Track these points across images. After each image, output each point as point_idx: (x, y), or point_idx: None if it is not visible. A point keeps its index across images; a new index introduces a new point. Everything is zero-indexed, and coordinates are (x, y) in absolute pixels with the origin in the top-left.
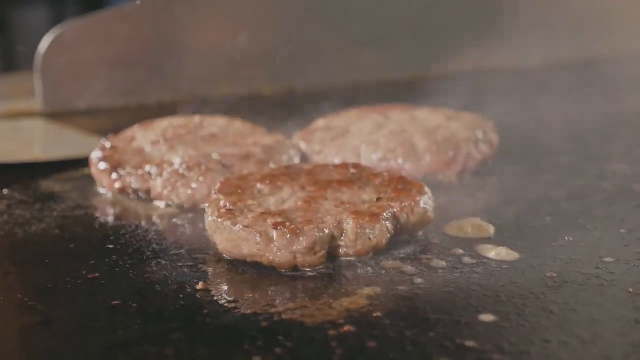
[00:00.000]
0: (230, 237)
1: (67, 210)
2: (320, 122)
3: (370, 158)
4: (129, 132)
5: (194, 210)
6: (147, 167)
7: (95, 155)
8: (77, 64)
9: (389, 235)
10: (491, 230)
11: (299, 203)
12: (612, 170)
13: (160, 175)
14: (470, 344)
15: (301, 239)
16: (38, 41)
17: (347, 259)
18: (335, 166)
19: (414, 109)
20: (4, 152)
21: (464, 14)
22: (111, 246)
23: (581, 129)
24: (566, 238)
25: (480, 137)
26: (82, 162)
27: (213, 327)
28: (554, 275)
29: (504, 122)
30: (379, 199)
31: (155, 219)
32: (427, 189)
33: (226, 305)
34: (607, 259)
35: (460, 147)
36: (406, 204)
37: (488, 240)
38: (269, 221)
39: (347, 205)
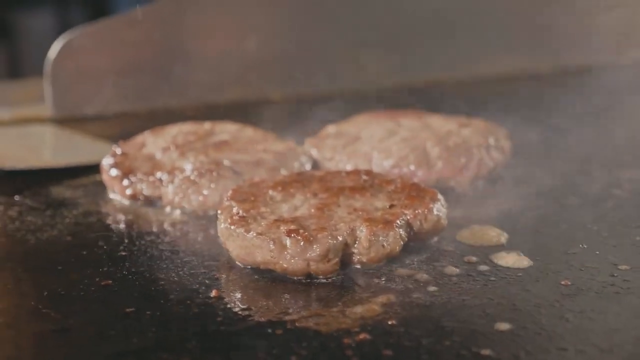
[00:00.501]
0: (243, 244)
1: (78, 216)
2: (331, 128)
3: (382, 164)
4: (139, 138)
5: (206, 216)
6: (158, 174)
7: (106, 161)
8: (87, 70)
9: (402, 243)
10: (504, 237)
11: (312, 210)
12: (626, 177)
13: (172, 181)
14: (486, 352)
15: (314, 246)
16: (45, 47)
17: (361, 266)
18: (347, 173)
19: (426, 116)
20: (14, 158)
21: (475, 19)
22: (123, 253)
23: (593, 135)
24: (580, 245)
25: (492, 143)
26: (93, 169)
27: (227, 334)
28: (569, 283)
29: (516, 129)
30: (391, 206)
31: (166, 225)
32: (440, 196)
33: (240, 313)
34: (622, 267)
35: (472, 153)
36: (419, 211)
37: (501, 248)
38: (282, 228)
39: (360, 213)
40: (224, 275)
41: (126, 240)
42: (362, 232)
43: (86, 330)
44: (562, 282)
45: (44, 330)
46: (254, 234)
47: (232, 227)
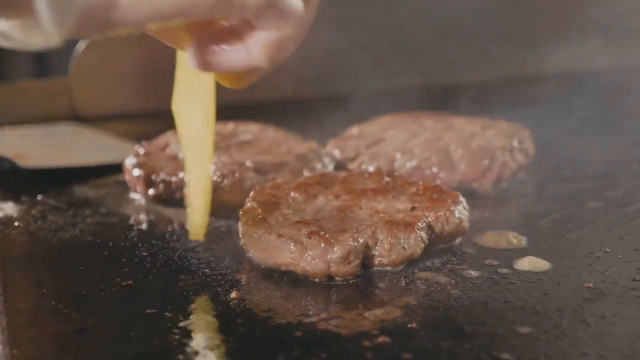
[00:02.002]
0: (264, 245)
1: (100, 216)
2: (354, 130)
3: (404, 166)
4: (162, 139)
5: (227, 217)
6: (181, 174)
7: (129, 161)
8: (112, 69)
9: (423, 245)
10: (526, 240)
11: (334, 212)
12: None
13: None
14: (506, 356)
15: (335, 248)
16: (71, 45)
17: (381, 268)
18: (370, 174)
19: (449, 117)
20: (38, 157)
21: (500, 20)
22: (145, 253)
23: (618, 138)
24: (602, 249)
25: (516, 145)
26: (116, 168)
27: (247, 336)
28: (591, 286)
29: (540, 131)
30: (413, 208)
31: (188, 226)
32: (462, 198)
33: (260, 314)
34: None
35: (496, 155)
36: (441, 213)
37: (523, 251)
38: (303, 230)
39: (382, 215)
40: (244, 277)
41: (148, 241)
42: (383, 234)
43: (106, 331)
44: (584, 286)
45: (64, 331)
46: (275, 236)
47: (254, 228)
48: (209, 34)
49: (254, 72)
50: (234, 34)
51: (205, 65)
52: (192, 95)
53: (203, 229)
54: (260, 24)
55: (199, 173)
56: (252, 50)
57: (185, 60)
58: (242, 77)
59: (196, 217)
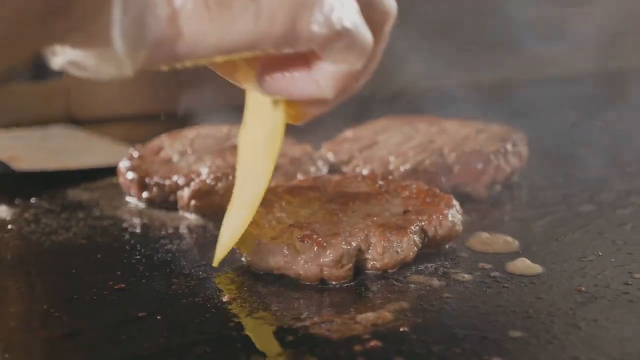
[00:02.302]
0: (257, 249)
1: (94, 219)
2: (348, 133)
3: (398, 169)
4: (156, 142)
5: (221, 220)
6: (175, 177)
7: (123, 164)
8: None
9: (416, 249)
10: (519, 244)
11: (327, 215)
12: None
13: (188, 185)
14: None
15: (328, 252)
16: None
17: (374, 272)
18: (363, 177)
19: (443, 121)
20: (31, 160)
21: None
22: (138, 257)
23: (612, 142)
24: (595, 253)
25: (509, 149)
26: (110, 171)
27: (238, 340)
28: (583, 290)
29: (534, 135)
30: (406, 212)
31: (182, 229)
32: (455, 202)
33: (252, 318)
34: (637, 275)
35: (489, 159)
36: (434, 217)
37: (516, 255)
38: (296, 233)
39: (375, 218)
40: (237, 280)
41: (141, 244)
42: (376, 238)
43: (97, 335)
44: (576, 290)
45: (55, 334)
46: (268, 239)
47: (247, 231)
48: (276, 59)
49: (319, 105)
50: (301, 62)
51: (271, 89)
52: (258, 133)
53: (219, 259)
54: (328, 57)
55: (242, 211)
56: (320, 81)
57: (253, 95)
58: (307, 109)
59: (219, 247)
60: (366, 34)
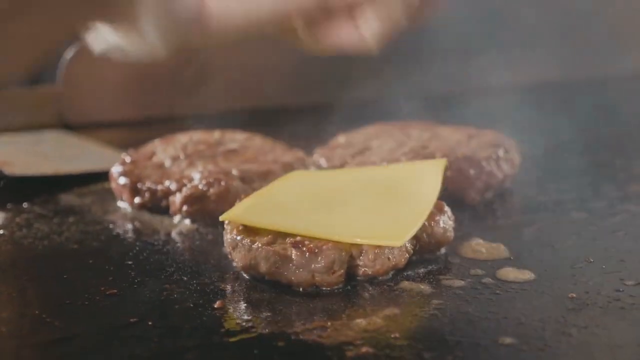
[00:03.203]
0: (249, 255)
1: (86, 224)
2: (341, 139)
3: None
4: (149, 147)
5: (213, 226)
6: (167, 183)
7: (116, 169)
8: (100, 77)
9: (407, 255)
10: (511, 250)
11: None
12: (634, 192)
13: (180, 190)
14: None
15: (319, 258)
16: (59, 52)
17: (366, 278)
18: None
19: (435, 126)
20: (24, 164)
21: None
22: (130, 262)
23: (604, 149)
24: (586, 260)
25: (501, 155)
26: (102, 176)
27: (230, 346)
28: (574, 297)
29: (526, 141)
30: None
31: (174, 234)
32: (447, 208)
33: (243, 324)
34: (629, 282)
35: (482, 165)
36: (426, 223)
37: (508, 261)
38: (287, 240)
39: None
40: (229, 286)
41: (133, 249)
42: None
43: (90, 340)
44: (567, 297)
45: (46, 340)
46: (260, 245)
47: (238, 237)
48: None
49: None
50: (345, 13)
51: (320, 43)
52: None
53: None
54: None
55: None
56: (362, 29)
57: None
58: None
59: None
60: None
